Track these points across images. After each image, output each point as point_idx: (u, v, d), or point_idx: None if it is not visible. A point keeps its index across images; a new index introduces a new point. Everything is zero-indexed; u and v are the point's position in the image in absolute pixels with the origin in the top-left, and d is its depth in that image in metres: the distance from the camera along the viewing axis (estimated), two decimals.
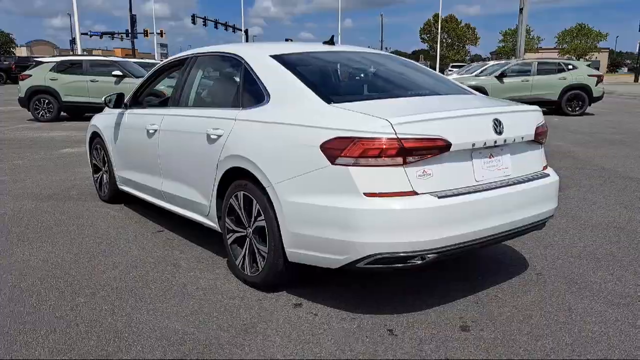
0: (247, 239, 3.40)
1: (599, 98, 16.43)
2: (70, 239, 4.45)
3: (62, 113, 14.90)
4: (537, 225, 3.25)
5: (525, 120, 3.19)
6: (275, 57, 3.54)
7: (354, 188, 2.69)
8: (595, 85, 16.21)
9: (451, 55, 76.54)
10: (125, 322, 2.95)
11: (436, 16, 77.83)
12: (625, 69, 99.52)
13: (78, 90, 14.49)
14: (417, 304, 3.14)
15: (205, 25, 54.87)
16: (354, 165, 2.69)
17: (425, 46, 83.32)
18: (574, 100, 16.13)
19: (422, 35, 79.39)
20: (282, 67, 3.39)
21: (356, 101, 3.09)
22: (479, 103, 3.36)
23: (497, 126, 2.97)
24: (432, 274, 3.56)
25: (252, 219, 3.30)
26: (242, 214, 3.40)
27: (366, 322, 2.93)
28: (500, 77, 16.23)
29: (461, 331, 2.83)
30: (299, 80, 3.25)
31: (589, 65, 17.50)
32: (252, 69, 3.53)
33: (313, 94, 3.11)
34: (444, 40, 75.88)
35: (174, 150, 4.08)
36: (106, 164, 5.45)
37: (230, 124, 3.45)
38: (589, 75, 16.35)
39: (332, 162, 2.75)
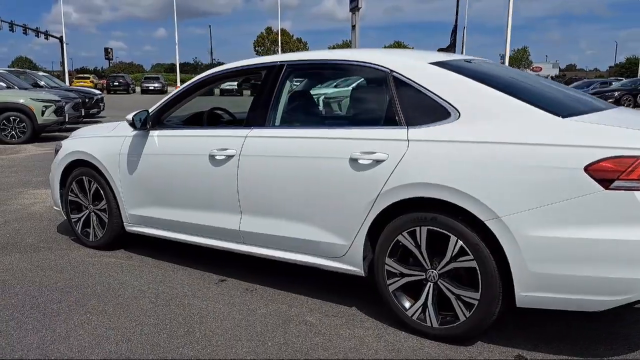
0: (429, 283, 2.83)
1: None
2: (117, 305, 3.34)
3: None
4: None
5: None
6: (438, 65, 3.02)
7: None
8: None
9: None
10: None
11: (268, 29, 79.23)
12: None
13: None
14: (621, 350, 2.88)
15: (12, 30, 48.48)
16: (638, 189, 2.34)
17: None
18: None
19: (257, 48, 79.93)
20: (465, 78, 2.89)
21: (585, 114, 2.76)
22: None
23: None
24: None
25: (446, 259, 2.75)
26: (421, 253, 2.83)
27: None
28: None
29: None
30: (499, 92, 2.79)
31: None
32: (412, 81, 2.95)
33: (533, 107, 2.68)
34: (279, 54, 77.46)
35: (278, 180, 3.27)
36: (103, 201, 4.29)
37: (400, 146, 2.85)
38: None
39: (606, 187, 2.37)
